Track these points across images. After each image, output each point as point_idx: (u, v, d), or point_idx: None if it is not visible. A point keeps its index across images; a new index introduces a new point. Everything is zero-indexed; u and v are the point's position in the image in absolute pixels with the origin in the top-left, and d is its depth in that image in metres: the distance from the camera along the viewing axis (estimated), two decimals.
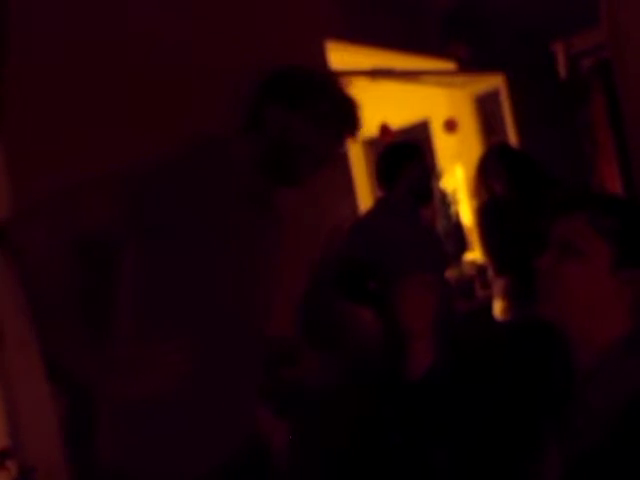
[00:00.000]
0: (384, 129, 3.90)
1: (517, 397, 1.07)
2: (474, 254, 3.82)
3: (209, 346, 1.25)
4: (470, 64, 3.97)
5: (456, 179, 4.52)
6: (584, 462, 0.94)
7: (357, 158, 4.81)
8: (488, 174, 2.93)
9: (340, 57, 3.17)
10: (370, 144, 4.88)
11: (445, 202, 4.04)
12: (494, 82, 4.13)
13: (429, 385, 1.15)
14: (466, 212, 4.43)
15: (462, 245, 3.04)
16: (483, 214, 2.92)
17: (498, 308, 2.88)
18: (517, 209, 2.80)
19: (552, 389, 1.04)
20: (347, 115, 1.35)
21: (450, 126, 4.19)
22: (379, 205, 2.75)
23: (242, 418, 1.37)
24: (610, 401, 0.94)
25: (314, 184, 2.81)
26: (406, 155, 2.66)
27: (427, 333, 1.19)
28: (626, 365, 0.96)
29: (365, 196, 4.33)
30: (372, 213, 2.75)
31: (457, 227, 3.14)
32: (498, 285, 2.89)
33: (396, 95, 4.38)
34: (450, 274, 3.04)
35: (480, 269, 3.40)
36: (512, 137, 4.05)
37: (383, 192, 2.71)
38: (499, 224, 2.84)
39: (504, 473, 1.06)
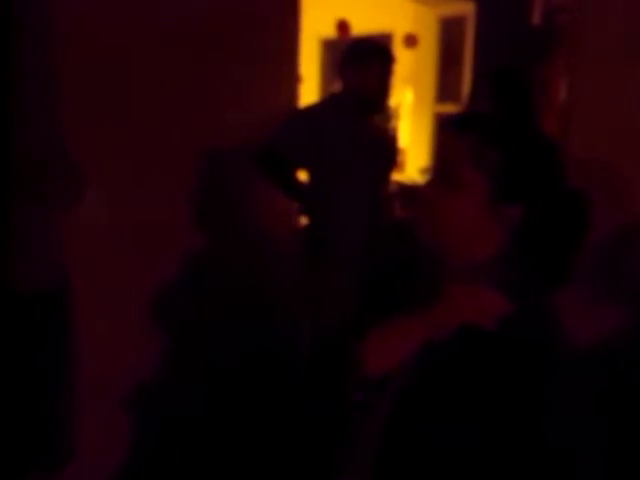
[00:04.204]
0: (342, 25, 3.76)
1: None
2: (401, 175, 3.80)
3: None
4: None
5: (404, 100, 4.44)
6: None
7: (311, 56, 4.65)
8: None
9: None
10: (328, 44, 4.72)
11: (385, 115, 3.95)
12: (464, 8, 4.01)
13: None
14: (405, 132, 4.38)
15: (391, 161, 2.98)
16: None
17: None
18: None
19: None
20: None
21: (410, 41, 4.08)
22: (326, 98, 2.63)
23: None
24: None
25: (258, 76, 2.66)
26: (374, 53, 2.43)
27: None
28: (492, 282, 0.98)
29: (311, 96, 4.21)
30: (316, 104, 2.62)
31: (391, 141, 3.07)
32: None
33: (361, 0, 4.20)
34: None
35: (403, 190, 3.38)
36: (467, 68, 3.98)
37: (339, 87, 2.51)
38: None
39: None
